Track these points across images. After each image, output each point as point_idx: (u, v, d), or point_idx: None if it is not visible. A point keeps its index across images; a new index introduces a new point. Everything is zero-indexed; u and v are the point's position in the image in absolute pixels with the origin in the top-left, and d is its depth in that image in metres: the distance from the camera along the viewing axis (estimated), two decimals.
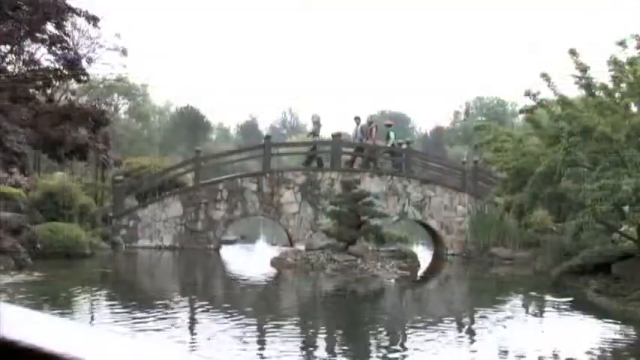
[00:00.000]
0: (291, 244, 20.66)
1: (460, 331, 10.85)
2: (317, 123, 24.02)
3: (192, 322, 10.73)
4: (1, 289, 12.10)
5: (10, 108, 16.59)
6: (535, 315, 12.79)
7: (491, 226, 20.17)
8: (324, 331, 10.43)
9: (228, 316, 11.12)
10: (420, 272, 17.77)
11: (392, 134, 23.40)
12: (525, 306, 13.74)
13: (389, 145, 23.27)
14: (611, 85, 14.44)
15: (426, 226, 22.51)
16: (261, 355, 8.71)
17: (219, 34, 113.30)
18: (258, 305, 12.93)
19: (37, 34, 17.90)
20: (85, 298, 12.53)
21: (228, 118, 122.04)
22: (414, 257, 18.10)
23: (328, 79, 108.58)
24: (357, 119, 23.33)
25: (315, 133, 23.74)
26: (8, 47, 17.98)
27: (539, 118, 15.63)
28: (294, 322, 11.02)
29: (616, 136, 12.65)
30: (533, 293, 14.99)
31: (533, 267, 17.92)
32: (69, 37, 19.37)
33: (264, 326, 10.40)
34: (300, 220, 21.39)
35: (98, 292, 13.52)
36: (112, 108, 43.36)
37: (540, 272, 17.01)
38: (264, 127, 73.72)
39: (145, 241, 20.61)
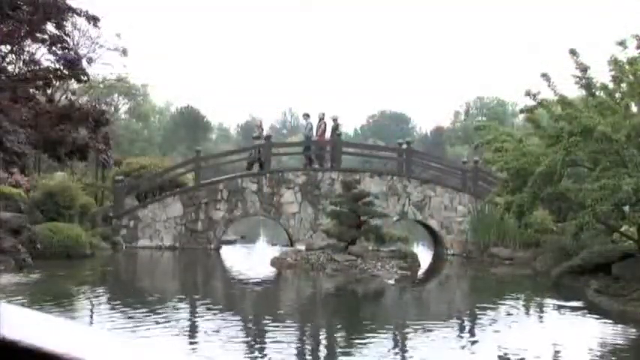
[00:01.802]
0: (292, 244, 20.67)
1: (460, 331, 10.85)
2: (260, 127, 24.51)
3: (193, 322, 10.72)
4: (1, 289, 12.10)
5: (11, 108, 16.58)
6: (535, 315, 12.79)
7: (492, 226, 20.16)
8: (324, 331, 10.43)
9: (229, 315, 11.13)
10: (420, 272, 17.76)
11: (340, 129, 23.39)
12: (525, 306, 13.74)
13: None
14: (611, 85, 14.43)
15: (426, 226, 22.51)
16: (260, 355, 8.71)
17: (219, 34, 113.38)
18: (258, 305, 12.93)
19: (38, 34, 17.90)
20: (85, 299, 12.53)
21: (228, 118, 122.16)
22: (414, 257, 18.08)
23: (328, 79, 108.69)
24: (306, 116, 23.27)
25: (258, 137, 23.80)
26: (8, 47, 17.97)
27: (540, 118, 15.62)
28: (295, 321, 11.01)
29: (616, 136, 12.62)
30: (533, 293, 14.99)
31: (534, 267, 17.91)
32: (69, 37, 19.38)
33: (264, 326, 10.40)
34: (300, 220, 21.39)
35: (98, 293, 13.51)
36: (112, 108, 43.41)
37: (540, 272, 17.00)
38: (264, 127, 73.64)
39: (145, 241, 20.62)
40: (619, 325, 10.66)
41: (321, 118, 22.94)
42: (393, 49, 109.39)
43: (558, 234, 18.68)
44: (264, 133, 23.88)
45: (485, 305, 13.04)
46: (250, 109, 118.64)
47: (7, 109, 16.36)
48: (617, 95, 14.41)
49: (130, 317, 10.32)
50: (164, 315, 10.72)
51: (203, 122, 65.81)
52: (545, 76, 14.59)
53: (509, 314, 12.05)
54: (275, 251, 19.39)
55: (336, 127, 22.98)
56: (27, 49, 18.61)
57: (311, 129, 22.76)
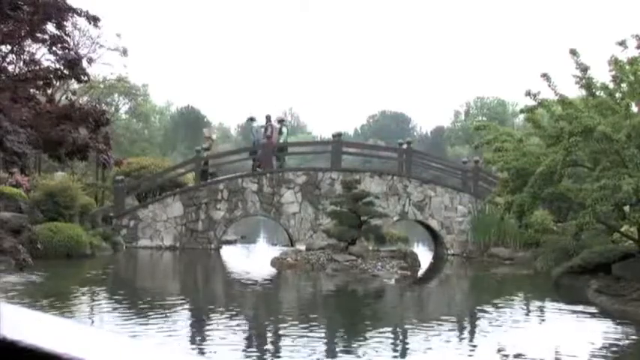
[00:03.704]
0: (292, 244, 20.66)
1: (460, 331, 10.86)
2: (209, 138, 24.57)
3: (193, 322, 10.72)
4: (2, 289, 12.10)
5: (11, 108, 16.59)
6: (535, 315, 12.79)
7: (492, 226, 20.17)
8: (324, 330, 10.42)
9: (228, 315, 11.13)
10: (420, 272, 17.76)
11: (284, 130, 23.40)
12: (526, 306, 13.74)
13: (281, 141, 23.07)
14: (611, 85, 14.44)
15: (427, 226, 22.50)
16: (260, 354, 8.71)
17: (219, 34, 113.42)
18: (258, 305, 12.93)
19: (38, 34, 17.92)
20: (85, 299, 12.53)
21: (228, 118, 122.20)
22: (414, 257, 18.08)
23: (328, 79, 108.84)
24: (252, 119, 23.25)
25: (208, 148, 23.79)
26: (8, 47, 17.98)
27: (540, 118, 15.61)
28: (294, 321, 11.01)
29: (616, 136, 12.62)
30: (533, 293, 14.99)
31: (534, 267, 17.90)
32: (69, 37, 19.41)
33: (264, 326, 10.40)
34: (300, 220, 21.38)
35: (99, 293, 13.52)
36: (112, 108, 43.44)
37: (541, 272, 16.99)
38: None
39: (145, 241, 20.61)
40: (619, 325, 10.66)
41: (268, 120, 23.02)
42: (392, 49, 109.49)
43: (558, 234, 18.66)
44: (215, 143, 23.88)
45: (485, 305, 13.04)
46: (250, 109, 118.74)
47: (7, 109, 16.37)
48: (618, 95, 14.42)
49: (130, 317, 10.32)
50: (164, 315, 10.72)
51: (203, 122, 65.87)
52: (545, 76, 14.59)
53: (509, 314, 12.05)
54: (275, 251, 19.39)
55: (280, 130, 22.98)
56: (27, 49, 18.64)
57: (257, 132, 22.76)
